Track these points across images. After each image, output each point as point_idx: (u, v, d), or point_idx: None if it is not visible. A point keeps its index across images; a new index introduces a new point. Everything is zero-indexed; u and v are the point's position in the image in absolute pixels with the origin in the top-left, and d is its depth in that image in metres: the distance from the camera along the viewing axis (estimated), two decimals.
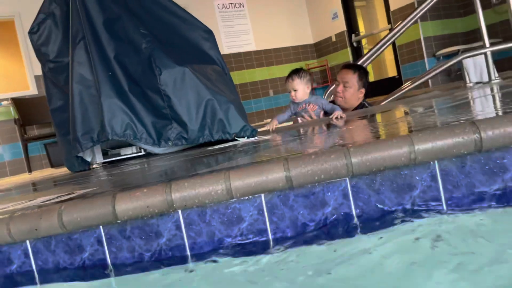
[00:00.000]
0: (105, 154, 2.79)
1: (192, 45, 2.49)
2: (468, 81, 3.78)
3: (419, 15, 3.90)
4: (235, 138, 2.26)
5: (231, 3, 7.29)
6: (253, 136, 2.29)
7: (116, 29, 2.31)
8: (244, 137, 2.27)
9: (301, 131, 2.05)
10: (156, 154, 2.48)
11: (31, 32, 2.62)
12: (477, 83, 3.68)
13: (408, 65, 6.35)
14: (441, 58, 6.03)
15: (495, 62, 5.40)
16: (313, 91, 7.97)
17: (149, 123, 2.25)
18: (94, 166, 2.70)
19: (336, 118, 2.40)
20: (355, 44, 7.32)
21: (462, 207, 0.78)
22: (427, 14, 6.04)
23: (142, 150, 2.69)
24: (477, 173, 0.74)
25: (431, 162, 0.74)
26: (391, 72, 7.25)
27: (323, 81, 7.98)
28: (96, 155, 2.66)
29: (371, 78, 7.75)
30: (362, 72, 2.96)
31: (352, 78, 2.89)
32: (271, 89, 7.61)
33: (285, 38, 7.81)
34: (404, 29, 4.07)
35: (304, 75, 2.73)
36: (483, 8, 5.95)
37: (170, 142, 2.24)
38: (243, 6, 7.40)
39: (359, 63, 4.10)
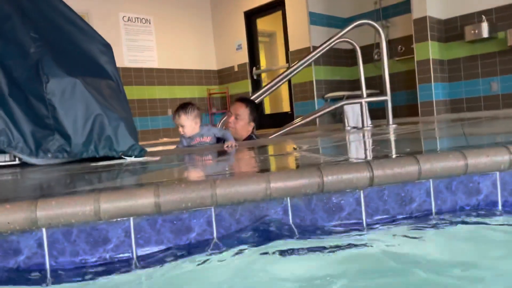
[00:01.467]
0: None
1: (88, 57, 2.41)
2: (346, 125, 4.25)
3: (312, 59, 4.30)
4: (122, 156, 2.22)
5: (137, 18, 7.18)
6: (141, 156, 2.28)
7: (3, 29, 2.15)
8: (132, 156, 2.25)
9: (190, 157, 2.12)
10: (33, 165, 2.32)
11: None
12: (354, 127, 4.14)
13: (300, 103, 6.87)
14: (328, 100, 6.66)
15: (372, 110, 6.14)
16: (212, 116, 8.14)
17: (27, 132, 2.11)
18: None
19: (228, 147, 2.53)
20: (255, 77, 7.70)
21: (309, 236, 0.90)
22: (320, 59, 6.66)
23: (17, 159, 2.48)
24: (319, 210, 0.88)
25: (284, 198, 0.86)
26: (286, 107, 7.76)
27: (223, 107, 8.20)
28: None
29: (267, 111, 8.20)
30: (253, 107, 3.17)
31: (244, 112, 3.09)
32: (170, 108, 7.57)
33: (189, 60, 7.90)
34: (298, 69, 4.45)
35: (191, 111, 2.74)
36: (367, 62, 6.78)
37: (50, 154, 2.12)
38: (150, 23, 7.34)
39: (256, 95, 4.36)
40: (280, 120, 6.90)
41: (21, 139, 2.09)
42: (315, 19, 6.68)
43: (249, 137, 3.17)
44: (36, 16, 2.28)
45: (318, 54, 4.22)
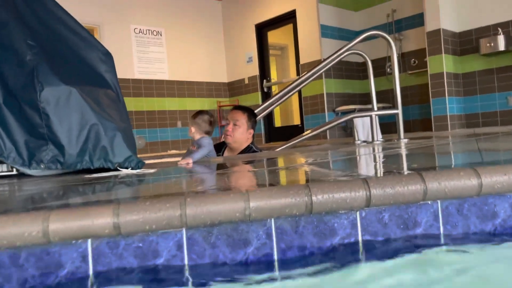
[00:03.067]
0: None
1: (87, 65, 2.36)
2: (356, 139, 4.12)
3: (320, 71, 4.20)
4: (118, 168, 2.14)
5: (148, 30, 7.20)
6: (138, 168, 2.19)
7: (0, 35, 2.10)
8: (128, 168, 2.16)
9: (187, 170, 2.02)
10: (31, 176, 2.25)
11: None
12: (364, 141, 4.01)
13: (310, 116, 6.76)
14: (339, 114, 6.53)
15: (383, 124, 5.99)
16: (221, 128, 8.06)
17: (21, 141, 2.04)
18: None
19: (181, 163, 2.49)
20: (265, 89, 7.63)
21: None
22: (331, 72, 6.56)
23: (15, 170, 2.42)
24: (309, 234, 0.76)
25: (268, 220, 0.75)
26: (296, 120, 7.65)
27: None
28: None
29: (278, 123, 8.10)
30: (251, 113, 3.16)
31: (242, 118, 3.07)
32: (179, 120, 7.53)
33: (200, 72, 7.88)
34: (306, 82, 4.35)
35: (198, 117, 2.81)
36: (379, 75, 6.65)
37: (43, 165, 2.05)
38: (161, 35, 7.36)
39: (263, 106, 4.28)
40: (290, 133, 6.78)
41: (14, 149, 2.02)
42: (327, 31, 6.60)
43: (249, 148, 3.09)
44: (34, 23, 2.23)
45: (327, 67, 4.12)
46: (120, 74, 6.91)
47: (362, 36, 3.68)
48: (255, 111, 4.11)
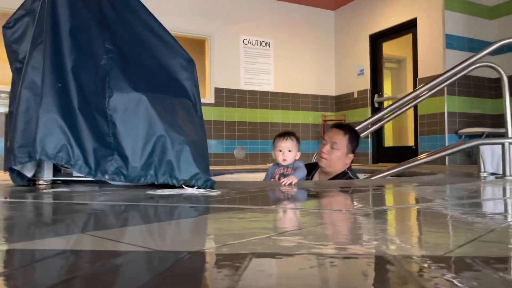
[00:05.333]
0: (58, 170, 2.47)
1: (166, 72, 2.20)
2: (482, 170, 3.36)
3: (440, 86, 3.57)
4: (183, 186, 1.91)
5: (257, 41, 7.14)
6: (205, 188, 1.94)
7: (81, 38, 2.05)
8: (195, 186, 1.92)
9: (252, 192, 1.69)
10: (110, 184, 2.17)
11: (5, 27, 2.40)
12: (492, 173, 3.25)
13: (427, 137, 5.94)
14: (463, 137, 5.60)
15: None
16: None
17: (90, 149, 1.94)
18: (40, 182, 2.36)
19: (284, 183, 2.18)
20: (376, 105, 6.98)
21: None
22: (456, 88, 5.69)
23: None
24: None
25: None
26: (410, 141, 6.84)
27: None
28: (45, 170, 2.35)
29: (388, 143, 7.34)
30: (353, 135, 2.64)
31: (342, 140, 2.59)
32: None
33: (306, 85, 7.56)
34: (423, 97, 3.74)
35: (296, 138, 2.46)
36: None
37: (107, 176, 1.91)
38: (269, 46, 7.24)
39: (371, 119, 3.79)
40: (402, 155, 6.04)
41: (81, 157, 1.92)
42: (453, 42, 5.75)
43: (344, 174, 2.62)
44: (117, 26, 2.14)
45: (449, 81, 3.46)
46: (227, 85, 6.97)
47: (495, 45, 2.97)
48: (361, 126, 3.62)
